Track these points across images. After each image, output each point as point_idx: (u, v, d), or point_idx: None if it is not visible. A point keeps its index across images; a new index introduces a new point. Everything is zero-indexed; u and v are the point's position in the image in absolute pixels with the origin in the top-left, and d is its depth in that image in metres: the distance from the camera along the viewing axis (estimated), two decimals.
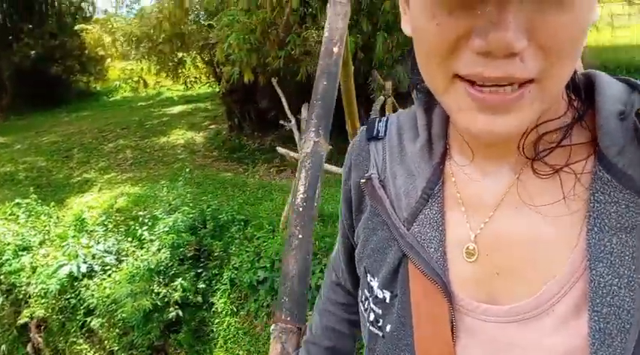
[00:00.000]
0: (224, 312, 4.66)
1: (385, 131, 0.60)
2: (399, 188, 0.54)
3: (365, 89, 6.74)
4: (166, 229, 4.94)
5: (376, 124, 0.62)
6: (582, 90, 0.46)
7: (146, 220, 5.27)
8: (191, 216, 5.27)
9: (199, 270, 4.92)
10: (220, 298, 4.71)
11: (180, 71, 8.28)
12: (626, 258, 0.40)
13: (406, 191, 0.54)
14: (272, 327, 0.91)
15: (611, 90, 0.44)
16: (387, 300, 0.54)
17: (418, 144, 0.54)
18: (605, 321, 0.40)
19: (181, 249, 4.86)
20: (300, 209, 0.98)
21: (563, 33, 0.37)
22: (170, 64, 8.00)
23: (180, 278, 4.64)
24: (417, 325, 0.50)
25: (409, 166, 0.55)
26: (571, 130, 0.45)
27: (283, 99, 5.36)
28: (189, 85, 8.77)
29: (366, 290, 0.58)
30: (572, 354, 0.42)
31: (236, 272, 4.77)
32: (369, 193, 0.57)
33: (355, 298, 0.75)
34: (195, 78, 8.75)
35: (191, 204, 5.54)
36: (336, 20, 1.23)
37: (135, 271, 4.59)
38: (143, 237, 5.01)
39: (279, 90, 5.40)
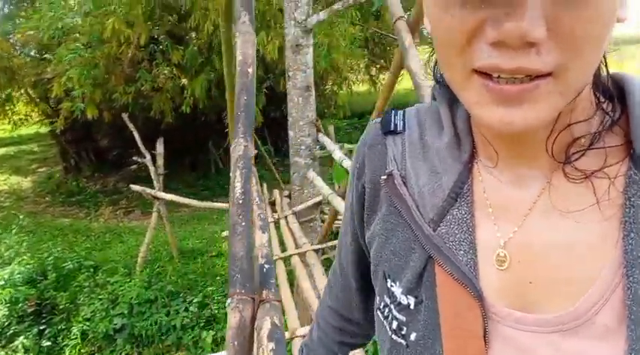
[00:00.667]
0: None
1: (404, 125, 0.56)
2: (423, 186, 0.50)
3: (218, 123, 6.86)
4: (1, 283, 4.32)
5: (392, 118, 0.56)
6: (613, 92, 0.44)
7: None
8: (29, 266, 4.70)
9: (42, 327, 4.37)
10: (70, 354, 4.24)
11: (7, 108, 7.37)
12: None
13: (431, 189, 0.50)
14: (228, 301, 1.00)
15: (633, 84, 0.42)
16: (412, 306, 0.50)
17: (445, 140, 0.51)
18: None
19: (20, 305, 4.28)
20: (240, 201, 1.10)
21: (584, 27, 0.36)
22: None
23: (22, 337, 4.07)
24: (446, 333, 0.48)
25: (433, 163, 0.51)
26: (602, 133, 0.42)
27: (136, 135, 5.18)
28: (19, 124, 7.85)
29: (385, 297, 0.54)
30: None
31: (88, 323, 4.36)
32: (390, 190, 0.53)
33: (351, 322, 0.77)
34: (26, 115, 7.88)
35: (28, 255, 4.94)
36: (246, 46, 1.39)
37: None
38: None
39: (131, 126, 5.21)
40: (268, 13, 5.47)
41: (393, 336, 0.52)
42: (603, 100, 0.44)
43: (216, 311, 4.42)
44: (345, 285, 0.72)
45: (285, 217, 3.61)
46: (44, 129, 8.57)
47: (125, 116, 5.37)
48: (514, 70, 0.36)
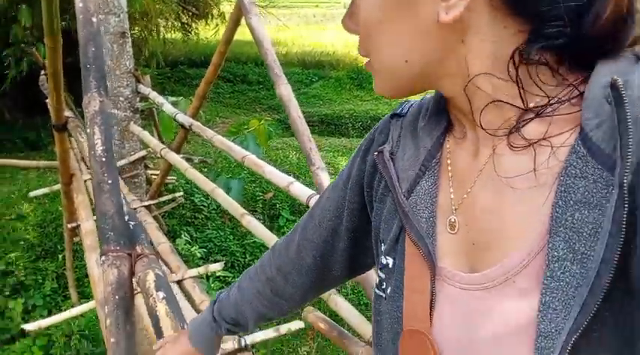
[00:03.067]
0: None
1: (409, 109, 0.61)
2: (406, 161, 0.56)
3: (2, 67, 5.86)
4: None
5: (404, 104, 0.62)
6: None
7: None
8: None
9: None
10: None
11: None
12: (584, 234, 0.39)
13: (411, 164, 0.56)
14: (102, 259, 1.00)
15: (614, 62, 0.41)
16: (390, 266, 0.57)
17: (424, 120, 0.56)
18: (552, 295, 0.41)
19: None
20: (103, 159, 1.08)
21: (363, 15, 0.49)
22: None
23: None
24: (405, 289, 0.54)
25: (418, 141, 0.56)
26: (554, 106, 0.43)
27: None
28: None
29: (377, 258, 0.61)
30: (525, 325, 0.43)
31: None
32: (380, 165, 0.58)
33: (274, 295, 0.80)
34: None
35: None
36: None
37: None
38: None
39: None
40: None
41: (376, 290, 0.59)
42: (576, 78, 0.43)
43: (24, 278, 3.99)
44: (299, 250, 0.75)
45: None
46: None
47: None
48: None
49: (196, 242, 4.63)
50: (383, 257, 0.58)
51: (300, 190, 1.47)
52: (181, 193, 3.78)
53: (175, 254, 2.48)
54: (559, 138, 0.42)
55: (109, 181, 1.07)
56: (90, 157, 1.09)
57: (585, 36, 0.41)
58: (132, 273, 1.03)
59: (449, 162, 0.53)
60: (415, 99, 0.61)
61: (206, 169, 5.18)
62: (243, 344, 1.69)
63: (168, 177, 4.14)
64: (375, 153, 0.60)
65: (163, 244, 2.53)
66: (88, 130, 1.11)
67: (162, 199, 3.16)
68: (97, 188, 1.06)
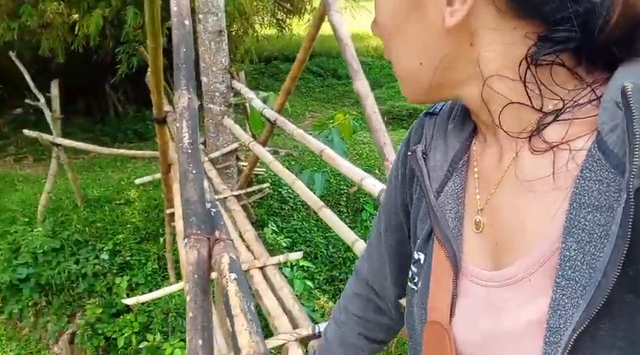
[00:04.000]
0: None
1: (442, 108, 0.62)
2: (437, 161, 0.58)
3: (114, 64, 6.45)
4: None
5: (438, 103, 0.63)
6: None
7: None
8: None
9: None
10: None
11: None
12: (595, 236, 0.40)
13: (441, 164, 0.57)
14: (185, 241, 1.11)
15: (636, 64, 0.41)
16: (421, 261, 0.59)
17: (454, 122, 0.58)
18: (562, 293, 0.42)
19: None
20: (189, 151, 1.19)
21: (380, 19, 0.51)
22: None
23: None
24: (432, 284, 0.56)
25: (447, 142, 0.58)
26: (572, 109, 0.43)
27: (27, 76, 4.74)
28: None
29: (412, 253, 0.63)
30: (537, 321, 0.44)
31: None
32: (414, 164, 0.60)
33: (374, 312, 0.82)
34: None
35: None
36: None
37: None
38: None
39: (21, 66, 4.75)
40: None
41: (410, 283, 0.62)
42: (594, 81, 0.43)
43: (129, 258, 4.41)
44: (380, 253, 0.77)
45: (202, 164, 3.64)
46: None
47: (13, 55, 4.86)
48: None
49: (282, 232, 4.80)
50: (415, 253, 0.61)
51: (372, 185, 1.50)
52: (267, 184, 3.95)
53: (259, 242, 2.61)
54: (578, 141, 0.43)
55: (194, 171, 1.17)
56: (178, 149, 1.20)
57: (596, 39, 0.41)
58: (210, 256, 1.12)
59: (475, 163, 0.55)
60: None
61: (294, 162, 5.35)
62: (317, 331, 1.76)
63: (259, 169, 4.36)
64: (409, 152, 0.62)
65: (249, 232, 2.68)
66: (177, 124, 1.23)
67: (249, 189, 3.33)
68: (183, 177, 1.17)
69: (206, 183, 1.47)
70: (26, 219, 4.64)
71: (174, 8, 1.39)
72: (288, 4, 9.19)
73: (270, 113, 2.60)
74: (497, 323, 0.49)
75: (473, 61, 0.46)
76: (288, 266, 4.19)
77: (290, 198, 5.23)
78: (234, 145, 3.63)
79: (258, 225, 4.86)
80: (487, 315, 0.50)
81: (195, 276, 1.07)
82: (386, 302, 0.81)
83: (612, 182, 0.39)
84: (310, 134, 3.18)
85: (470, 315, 0.52)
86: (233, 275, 1.02)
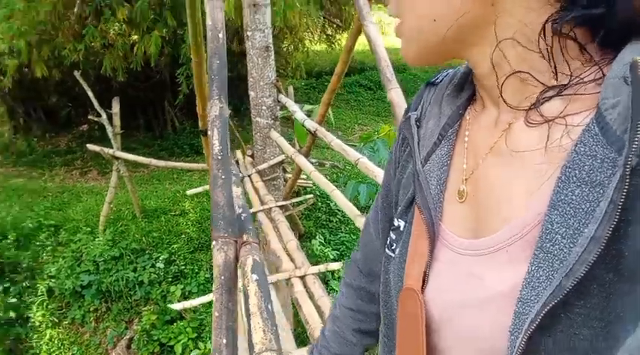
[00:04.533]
0: (43, 325, 4.27)
1: (443, 79, 0.62)
2: (429, 129, 0.57)
3: (173, 82, 6.76)
4: None
5: (440, 74, 0.63)
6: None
7: None
8: None
9: (6, 285, 4.40)
10: (37, 310, 4.31)
11: None
12: (580, 210, 0.39)
13: (431, 132, 0.57)
14: (213, 243, 1.15)
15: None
16: (401, 228, 0.59)
17: (450, 88, 0.57)
18: (538, 265, 0.41)
19: None
20: (219, 157, 1.24)
21: None
22: None
23: None
24: (409, 251, 0.56)
25: (440, 109, 0.57)
26: (575, 85, 0.42)
27: (90, 94, 5.07)
28: None
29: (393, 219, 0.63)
30: (509, 292, 0.44)
31: (53, 280, 4.42)
32: (406, 131, 0.60)
33: (366, 300, 0.82)
34: None
35: None
36: (215, 12, 1.49)
37: None
38: None
39: (84, 85, 5.09)
40: None
41: (387, 250, 0.62)
42: (602, 58, 0.43)
43: (183, 267, 4.57)
44: (376, 230, 0.76)
45: (249, 176, 3.73)
46: None
47: (77, 74, 5.23)
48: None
49: (330, 244, 4.81)
50: (395, 219, 0.60)
51: None
52: (311, 196, 3.99)
53: (301, 251, 2.64)
54: (575, 117, 0.42)
55: (223, 176, 1.21)
56: (209, 155, 1.25)
57: (619, 14, 0.39)
58: (237, 258, 1.15)
59: (466, 133, 0.54)
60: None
61: (341, 174, 5.37)
62: None
63: (306, 182, 4.41)
64: (403, 119, 0.61)
65: (291, 242, 2.72)
66: (209, 132, 1.28)
67: (293, 200, 3.38)
68: (213, 182, 1.21)
69: (240, 190, 1.51)
70: (89, 229, 4.93)
71: (209, 22, 1.46)
72: (338, 20, 9.32)
73: (311, 124, 2.65)
74: (469, 291, 0.48)
75: (490, 23, 0.45)
76: (336, 279, 4.19)
77: (338, 210, 5.25)
78: (281, 157, 3.70)
79: (307, 237, 4.90)
80: (461, 283, 0.49)
81: (222, 278, 1.10)
82: (376, 285, 0.78)
83: (607, 158, 0.38)
84: (355, 146, 3.19)
85: (443, 282, 0.52)
86: (255, 276, 1.05)
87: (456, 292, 0.50)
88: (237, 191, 1.50)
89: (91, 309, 4.38)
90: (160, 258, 4.59)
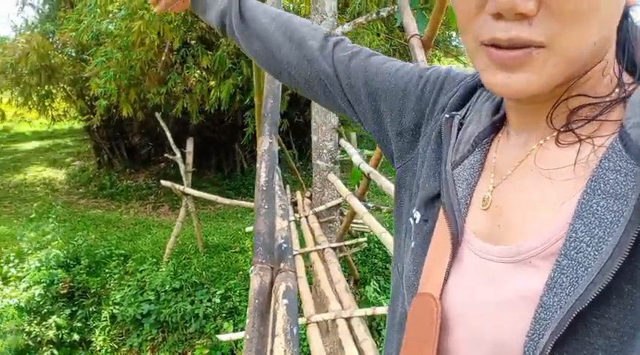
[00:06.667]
0: (104, 350, 4.47)
1: None
2: (467, 134, 0.58)
3: (243, 126, 7.13)
4: (37, 265, 4.65)
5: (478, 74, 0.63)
6: None
7: (11, 258, 4.89)
8: (64, 251, 5.02)
9: (74, 308, 4.68)
10: (99, 335, 4.52)
11: (47, 104, 7.86)
12: (605, 220, 0.40)
13: (469, 138, 0.58)
14: (251, 268, 1.21)
15: None
16: (418, 221, 0.60)
17: (491, 102, 0.58)
18: (561, 272, 0.41)
19: (55, 286, 4.60)
20: (264, 188, 1.31)
21: (573, 2, 0.39)
22: (35, 96, 7.56)
23: (54, 316, 4.38)
24: (431, 247, 0.57)
25: (480, 118, 0.58)
26: (608, 108, 0.44)
27: (168, 134, 5.48)
28: (57, 119, 8.34)
29: (410, 208, 0.63)
30: (531, 297, 0.44)
31: (117, 307, 4.65)
32: (445, 128, 0.60)
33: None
34: (65, 111, 8.36)
35: (61, 241, 5.27)
36: None
37: (1, 310, 4.23)
38: (9, 275, 4.64)
39: (163, 125, 5.52)
40: None
41: (404, 236, 0.63)
42: (630, 81, 0.45)
43: (238, 304, 4.65)
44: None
45: (306, 217, 3.80)
46: (78, 125, 9.01)
47: (158, 115, 5.68)
48: (509, 40, 0.41)
49: (385, 292, 4.72)
50: (414, 210, 0.61)
51: None
52: (365, 239, 3.97)
53: (349, 293, 2.63)
54: (602, 138, 0.44)
55: (266, 206, 1.28)
56: (256, 186, 1.33)
57: None
58: (272, 283, 1.20)
59: (496, 147, 0.55)
60: None
61: None
62: None
63: (364, 225, 4.41)
64: (447, 115, 0.61)
65: (339, 283, 2.72)
66: (257, 164, 1.37)
67: (346, 243, 3.39)
68: (257, 212, 1.28)
69: (285, 223, 1.57)
70: (154, 260, 5.18)
71: None
72: None
73: (366, 167, 2.70)
74: (490, 294, 0.48)
75: (608, 44, 0.45)
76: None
77: None
78: (338, 200, 3.76)
79: (362, 283, 4.85)
80: (481, 285, 0.50)
81: (256, 301, 1.15)
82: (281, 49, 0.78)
83: (630, 172, 0.40)
84: None
85: (464, 283, 0.52)
86: (285, 301, 1.08)
87: (476, 294, 0.50)
88: (282, 223, 1.56)
89: (149, 338, 4.53)
90: (217, 293, 4.71)
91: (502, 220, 0.51)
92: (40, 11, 8.83)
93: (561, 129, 0.47)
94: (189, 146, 5.39)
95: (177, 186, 5.10)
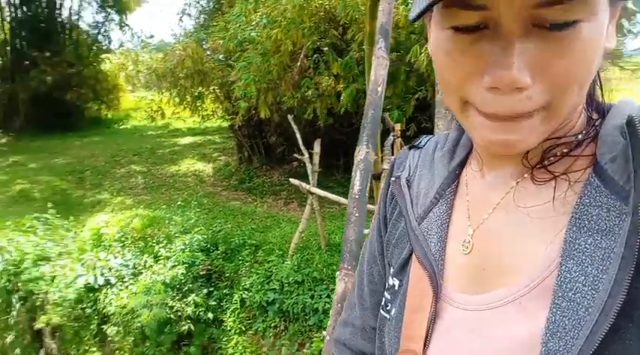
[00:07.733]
0: (233, 330, 4.92)
1: (426, 143, 0.65)
2: (422, 189, 0.59)
3: None
4: (182, 247, 5.27)
5: (422, 138, 0.67)
6: (606, 112, 0.47)
7: (161, 239, 5.62)
8: (205, 237, 5.62)
9: (211, 289, 5.22)
10: (230, 316, 4.99)
11: (198, 105, 8.86)
12: (597, 258, 0.40)
13: (426, 192, 0.58)
14: (337, 273, 1.28)
15: (625, 106, 0.45)
16: (396, 287, 0.59)
17: (441, 152, 0.60)
18: (562, 315, 0.41)
19: (195, 267, 5.17)
20: (357, 197, 1.38)
21: (567, 72, 0.40)
22: (189, 97, 8.56)
23: (194, 295, 4.93)
24: (407, 310, 0.55)
25: (434, 172, 0.59)
26: (580, 145, 0.46)
27: (298, 135, 5.80)
28: (206, 118, 9.36)
29: (385, 281, 0.64)
30: (529, 344, 0.43)
31: (246, 293, 5.07)
32: (396, 191, 0.62)
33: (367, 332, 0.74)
34: (213, 111, 9.33)
35: (203, 228, 5.90)
36: (379, 69, 1.66)
37: (151, 284, 4.89)
38: (159, 254, 5.34)
39: (294, 127, 5.85)
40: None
41: (382, 311, 0.62)
42: (597, 118, 0.47)
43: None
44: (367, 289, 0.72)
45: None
46: (225, 124, 9.92)
47: (290, 118, 6.04)
48: (509, 114, 0.42)
49: None
50: (390, 278, 0.61)
51: None
52: None
53: None
54: (577, 173, 0.46)
55: (356, 214, 1.34)
56: (349, 194, 1.40)
57: None
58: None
59: (466, 190, 0.56)
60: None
61: None
62: None
63: None
64: (393, 179, 0.64)
65: None
66: (353, 173, 1.43)
67: None
68: (347, 219, 1.35)
69: None
70: (281, 252, 5.54)
71: (372, 77, 1.63)
72: None
73: None
74: (478, 347, 0.47)
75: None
76: None
77: None
78: None
79: None
80: (467, 340, 0.49)
81: (338, 305, 1.22)
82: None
83: (612, 207, 0.41)
84: None
85: (449, 340, 0.51)
86: None
87: (463, 350, 0.49)
88: None
89: (272, 325, 4.87)
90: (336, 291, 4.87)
91: (487, 263, 0.50)
92: (197, 20, 9.96)
93: (536, 166, 0.48)
94: (317, 147, 5.64)
95: (303, 184, 5.38)
